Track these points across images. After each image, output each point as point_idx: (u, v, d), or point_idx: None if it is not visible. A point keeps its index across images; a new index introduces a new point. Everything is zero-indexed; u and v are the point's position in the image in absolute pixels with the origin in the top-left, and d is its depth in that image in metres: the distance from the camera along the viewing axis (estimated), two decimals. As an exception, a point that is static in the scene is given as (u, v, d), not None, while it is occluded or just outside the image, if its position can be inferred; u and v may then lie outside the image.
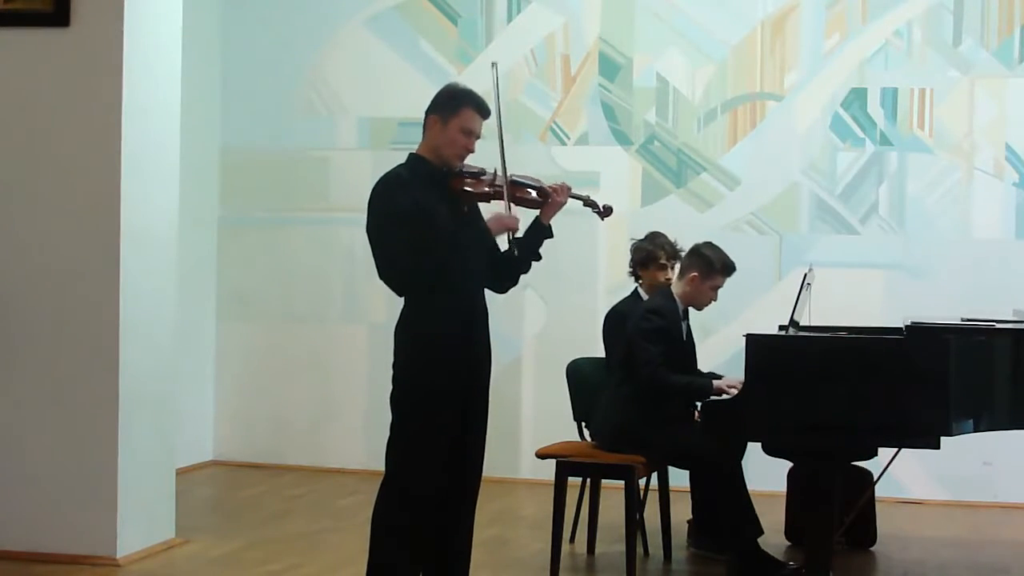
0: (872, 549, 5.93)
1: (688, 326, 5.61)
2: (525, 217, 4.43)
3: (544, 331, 7.59)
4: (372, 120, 7.78)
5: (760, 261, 7.33)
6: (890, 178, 7.29)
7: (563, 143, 7.60)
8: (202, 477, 7.57)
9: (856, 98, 7.31)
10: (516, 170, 4.46)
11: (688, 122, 7.49)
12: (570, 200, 4.56)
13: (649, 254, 5.79)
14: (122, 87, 5.40)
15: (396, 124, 7.71)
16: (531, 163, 7.54)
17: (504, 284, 4.52)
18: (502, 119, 4.42)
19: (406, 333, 4.27)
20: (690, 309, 5.61)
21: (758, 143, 7.42)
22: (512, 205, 4.36)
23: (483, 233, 4.39)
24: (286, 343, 7.89)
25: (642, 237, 5.92)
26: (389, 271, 4.24)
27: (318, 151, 7.80)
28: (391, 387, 4.30)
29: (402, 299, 4.33)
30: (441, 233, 4.19)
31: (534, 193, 4.45)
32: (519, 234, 4.38)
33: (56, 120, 5.46)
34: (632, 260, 5.90)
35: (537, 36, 7.67)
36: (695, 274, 5.46)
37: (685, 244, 5.83)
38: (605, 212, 4.67)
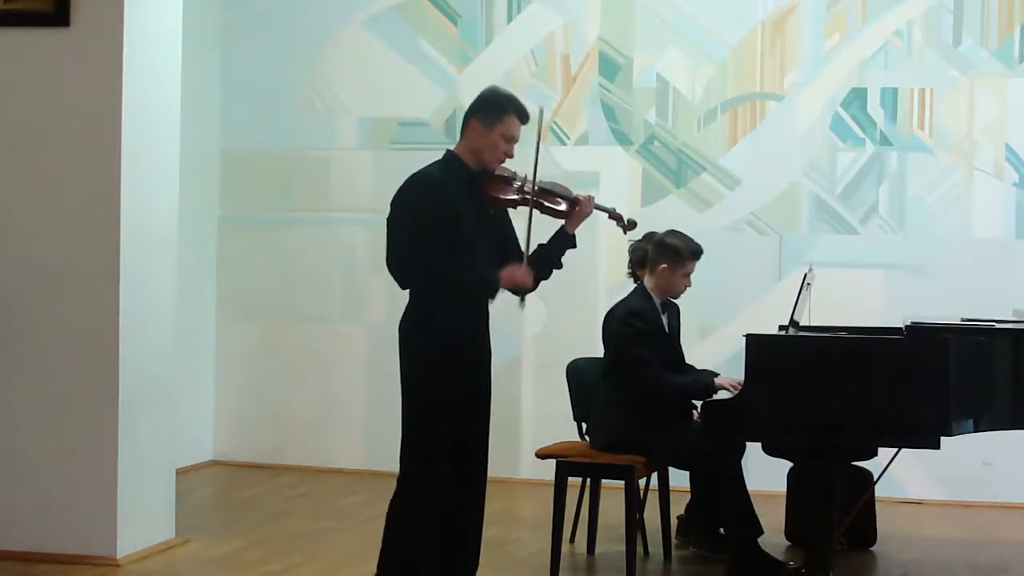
0: (872, 549, 5.93)
1: (668, 318, 5.58)
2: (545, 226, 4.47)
3: (544, 331, 7.59)
4: (372, 120, 7.78)
5: (760, 261, 7.33)
6: (890, 178, 7.29)
7: (563, 143, 7.60)
8: (202, 477, 7.57)
9: (856, 98, 7.31)
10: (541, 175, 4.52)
11: (688, 122, 7.49)
12: (596, 212, 4.65)
13: (647, 253, 5.79)
14: (122, 87, 5.40)
15: (396, 124, 7.70)
16: (531, 163, 7.56)
17: (524, 290, 4.54)
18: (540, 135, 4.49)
19: (416, 330, 4.32)
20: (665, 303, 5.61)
21: (758, 143, 7.42)
22: (537, 212, 4.42)
23: (504, 237, 4.44)
24: (286, 343, 7.89)
25: (639, 238, 5.93)
26: (401, 265, 4.27)
27: (318, 151, 7.80)
28: (401, 384, 4.35)
29: (404, 294, 4.35)
30: (463, 244, 4.24)
31: (562, 203, 4.51)
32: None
33: (56, 120, 5.46)
34: (630, 260, 5.91)
35: (537, 36, 7.67)
36: (665, 265, 5.47)
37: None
38: (629, 226, 4.77)
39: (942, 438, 4.73)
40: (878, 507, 6.04)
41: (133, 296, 5.46)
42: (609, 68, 7.57)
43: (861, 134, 7.31)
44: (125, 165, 5.42)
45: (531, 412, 7.54)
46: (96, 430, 5.38)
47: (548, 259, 4.51)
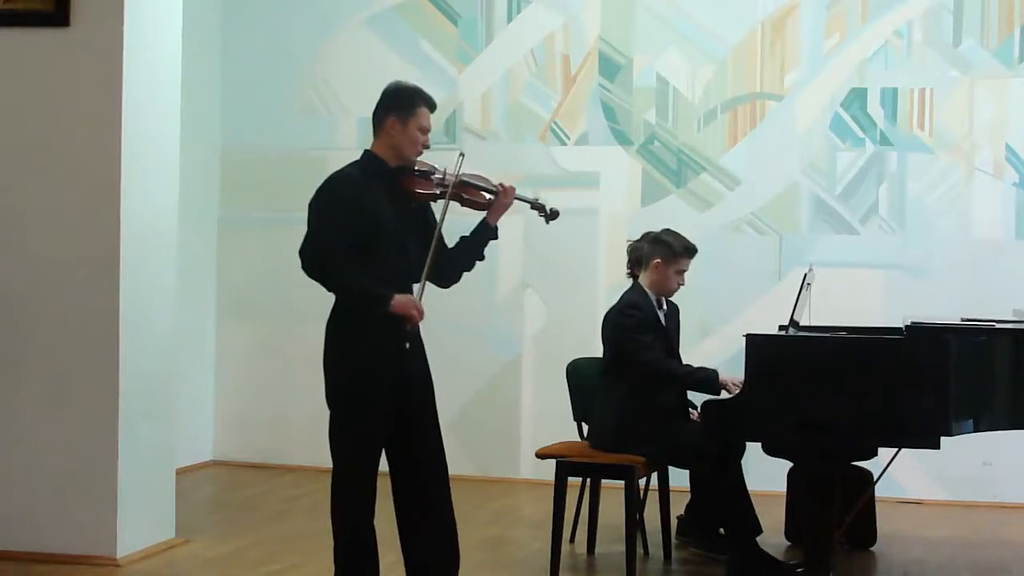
0: (872, 549, 5.93)
1: (664, 314, 5.60)
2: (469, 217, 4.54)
3: (544, 331, 7.59)
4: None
5: (760, 261, 7.34)
6: (890, 178, 7.29)
7: (563, 143, 7.61)
8: (202, 477, 7.57)
9: (856, 98, 7.31)
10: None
11: (688, 122, 7.49)
12: (518, 202, 4.64)
13: (646, 252, 5.81)
14: (122, 87, 5.40)
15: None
16: (531, 163, 7.58)
17: (447, 282, 4.56)
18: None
19: (335, 329, 4.36)
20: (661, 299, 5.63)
21: (758, 143, 7.42)
22: (460, 206, 4.44)
23: (429, 230, 4.44)
24: (286, 343, 7.89)
25: (638, 238, 5.94)
26: (315, 270, 4.29)
27: (318, 151, 7.79)
28: (325, 386, 4.41)
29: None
30: (383, 243, 4.26)
31: (483, 195, 4.53)
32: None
33: (56, 120, 5.46)
34: (629, 260, 5.92)
35: (537, 36, 7.67)
36: (658, 260, 5.50)
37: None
38: (551, 216, 4.70)
39: (942, 438, 4.73)
40: (878, 507, 6.04)
41: (133, 296, 5.46)
42: (609, 68, 7.57)
43: (861, 134, 7.31)
44: (125, 165, 5.42)
45: (531, 412, 7.54)
46: (96, 430, 5.38)
47: (470, 250, 4.53)
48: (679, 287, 5.59)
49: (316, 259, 4.26)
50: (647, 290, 5.55)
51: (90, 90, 5.42)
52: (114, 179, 5.40)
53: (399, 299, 4.27)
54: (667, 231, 5.62)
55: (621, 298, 5.60)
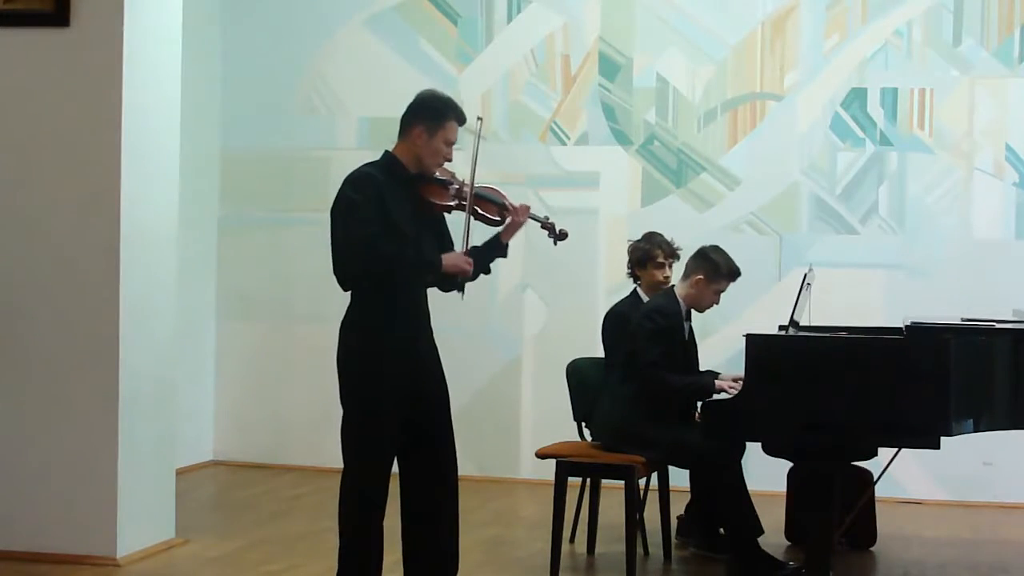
0: (872, 549, 5.93)
1: (690, 327, 5.62)
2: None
3: (544, 331, 7.59)
4: (372, 120, 7.78)
5: (760, 261, 7.33)
6: (890, 178, 7.29)
7: (563, 143, 7.61)
8: (202, 477, 7.57)
9: (856, 98, 7.31)
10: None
11: (688, 122, 7.49)
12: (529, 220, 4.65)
13: (646, 253, 5.82)
14: (122, 87, 5.40)
15: (396, 124, 7.66)
16: (531, 163, 7.58)
17: (449, 288, 4.59)
18: (480, 134, 4.54)
19: (350, 329, 4.42)
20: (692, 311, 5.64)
21: (758, 143, 7.42)
22: (472, 219, 4.46)
23: (440, 238, 4.49)
24: (286, 343, 7.89)
25: (638, 238, 5.94)
26: (341, 261, 4.33)
27: (318, 151, 7.79)
28: (339, 387, 4.48)
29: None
30: (400, 236, 4.28)
31: (497, 212, 4.53)
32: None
33: (56, 120, 5.46)
34: (630, 260, 5.92)
35: (537, 36, 7.67)
36: (701, 276, 5.49)
37: (684, 244, 5.86)
38: (560, 236, 4.70)
39: (942, 438, 4.73)
40: (878, 507, 6.04)
41: (133, 296, 5.46)
42: (609, 68, 7.57)
43: (861, 134, 7.31)
44: (125, 165, 5.42)
45: (531, 412, 7.54)
46: (96, 430, 5.38)
47: (477, 264, 4.53)
48: (712, 306, 5.59)
49: (358, 253, 4.25)
50: (681, 300, 5.55)
51: (90, 90, 5.42)
52: (114, 179, 5.40)
53: (448, 258, 4.35)
54: (715, 248, 5.57)
55: (653, 299, 5.61)
